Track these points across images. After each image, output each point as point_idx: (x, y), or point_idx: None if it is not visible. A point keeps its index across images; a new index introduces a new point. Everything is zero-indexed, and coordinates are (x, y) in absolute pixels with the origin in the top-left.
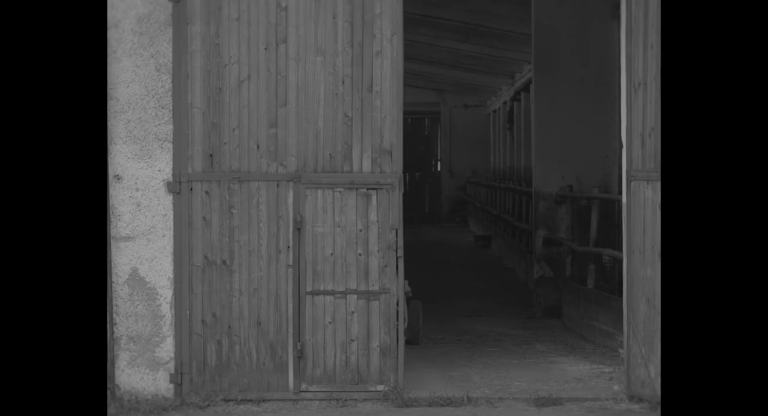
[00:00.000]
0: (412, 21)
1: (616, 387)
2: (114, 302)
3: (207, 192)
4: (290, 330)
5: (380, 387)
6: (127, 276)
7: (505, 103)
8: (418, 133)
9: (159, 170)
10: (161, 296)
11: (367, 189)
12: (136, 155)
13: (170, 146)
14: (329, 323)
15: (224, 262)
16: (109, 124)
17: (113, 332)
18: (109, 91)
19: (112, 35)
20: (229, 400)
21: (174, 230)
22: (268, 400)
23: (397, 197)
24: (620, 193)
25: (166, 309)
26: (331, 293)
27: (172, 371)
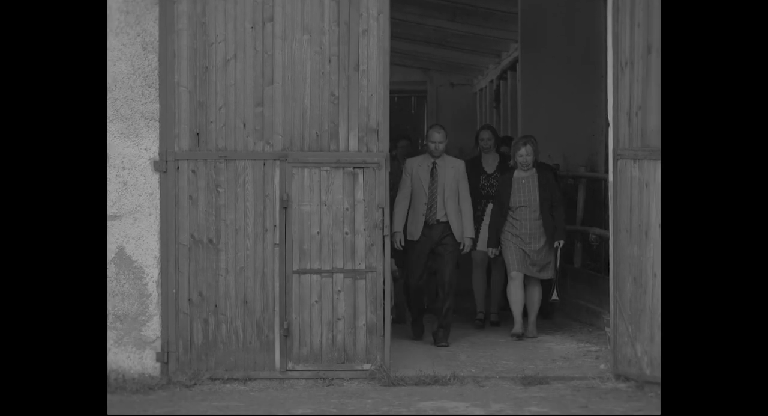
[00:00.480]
0: None
1: (602, 366)
2: None
3: (193, 171)
4: (277, 308)
5: (367, 366)
6: (113, 255)
7: (491, 81)
8: (405, 111)
9: (145, 149)
10: (147, 275)
11: (354, 168)
12: (122, 133)
13: (157, 124)
14: (316, 302)
15: (210, 241)
16: None
17: None
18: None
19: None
20: (215, 379)
21: (160, 209)
22: (255, 379)
23: (383, 176)
24: (607, 172)
25: (153, 288)
26: (318, 272)
27: (159, 350)
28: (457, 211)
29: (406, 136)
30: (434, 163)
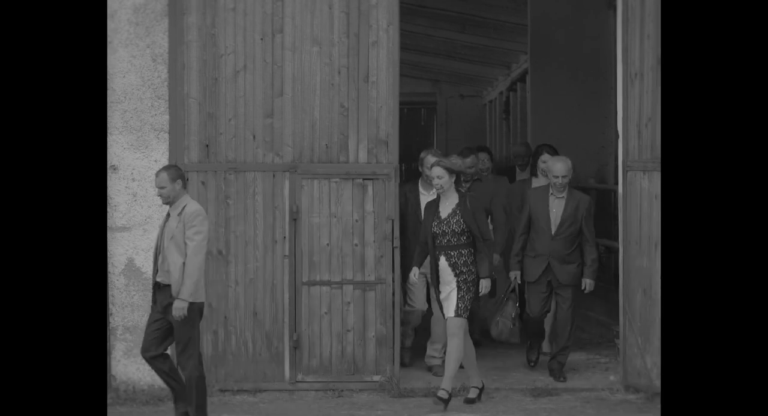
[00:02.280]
0: (408, 11)
1: (612, 378)
2: (110, 293)
3: (203, 182)
4: (286, 320)
5: (376, 378)
6: (123, 267)
7: (501, 93)
8: (414, 123)
9: (155, 161)
10: None
11: (363, 179)
12: (132, 145)
13: (166, 136)
14: (325, 313)
15: (220, 252)
16: None
17: (109, 322)
18: None
19: (108, 26)
20: (225, 390)
21: None
22: (264, 390)
23: (393, 188)
24: (616, 183)
25: None
26: (327, 283)
27: None
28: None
29: (483, 147)
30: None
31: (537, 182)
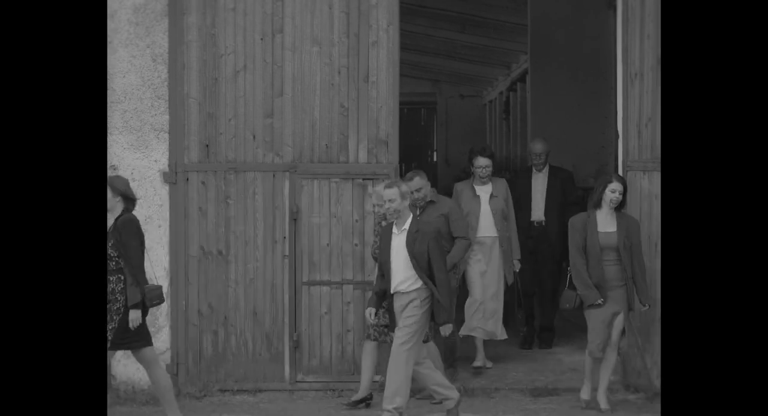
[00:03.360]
0: (408, 11)
1: (611, 378)
2: None
3: (203, 182)
4: (286, 320)
5: (376, 378)
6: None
7: (501, 93)
8: (414, 123)
9: (155, 161)
10: None
11: (363, 179)
12: (132, 145)
13: (166, 136)
14: (325, 313)
15: (220, 252)
16: None
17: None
18: None
19: (108, 26)
20: (225, 390)
21: (170, 221)
22: (264, 390)
23: None
24: None
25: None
26: (327, 283)
27: (169, 361)
28: None
29: (486, 151)
30: None
31: (601, 215)
